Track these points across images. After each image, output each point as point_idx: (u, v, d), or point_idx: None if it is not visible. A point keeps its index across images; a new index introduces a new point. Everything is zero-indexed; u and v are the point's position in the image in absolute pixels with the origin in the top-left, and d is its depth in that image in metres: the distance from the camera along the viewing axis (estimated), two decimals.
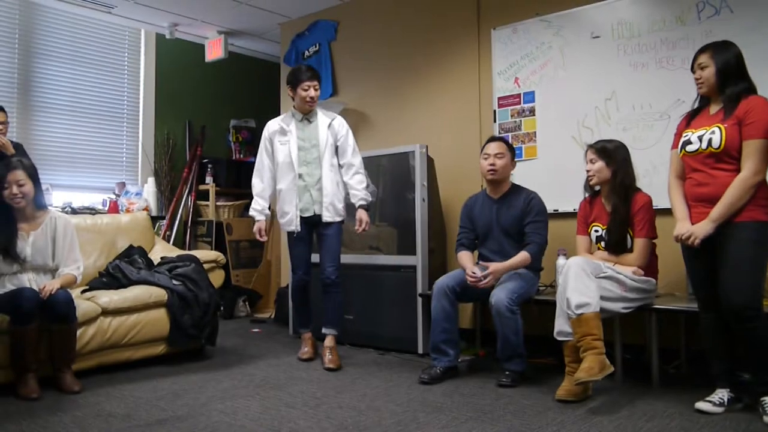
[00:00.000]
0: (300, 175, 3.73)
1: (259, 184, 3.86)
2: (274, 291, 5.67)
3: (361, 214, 3.74)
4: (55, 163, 5.49)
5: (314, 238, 3.87)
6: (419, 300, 3.95)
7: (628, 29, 3.80)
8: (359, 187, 3.76)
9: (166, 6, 5.44)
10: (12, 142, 4.57)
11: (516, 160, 3.68)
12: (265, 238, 3.88)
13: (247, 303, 5.79)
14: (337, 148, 3.81)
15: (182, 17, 5.71)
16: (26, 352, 3.02)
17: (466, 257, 3.54)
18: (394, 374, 3.48)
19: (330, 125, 3.80)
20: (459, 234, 3.66)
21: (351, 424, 2.57)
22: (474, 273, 3.29)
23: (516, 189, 3.55)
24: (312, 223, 3.79)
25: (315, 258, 3.91)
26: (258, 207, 3.85)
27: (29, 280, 3.23)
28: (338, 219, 3.78)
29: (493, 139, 3.64)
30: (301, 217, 3.75)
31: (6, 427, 2.56)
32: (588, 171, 3.23)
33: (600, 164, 3.18)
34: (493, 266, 3.31)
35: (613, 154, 3.17)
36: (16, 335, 3.01)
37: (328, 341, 3.75)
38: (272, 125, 3.86)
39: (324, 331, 3.80)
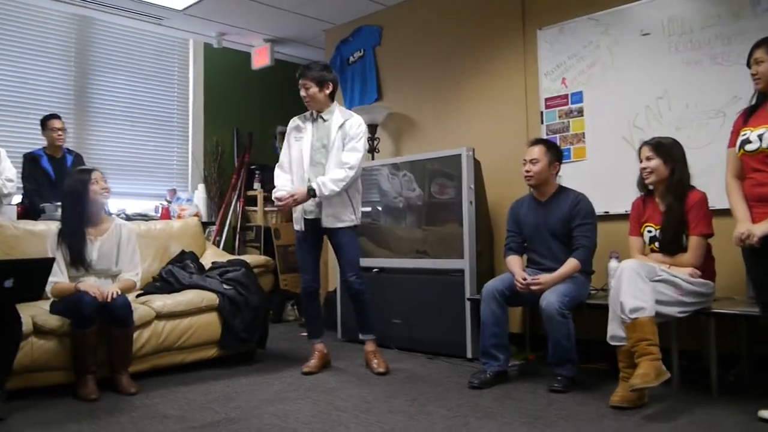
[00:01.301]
0: (309, 178, 3.57)
1: (281, 175, 3.70)
2: (321, 295, 5.69)
3: (300, 191, 3.48)
4: (109, 171, 5.55)
5: (324, 244, 3.80)
6: (467, 304, 3.92)
7: (679, 25, 3.70)
8: (328, 178, 3.47)
9: (213, 16, 5.55)
10: (71, 151, 4.80)
11: (563, 161, 3.61)
12: (281, 204, 3.55)
13: (295, 307, 5.85)
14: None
15: (229, 27, 5.82)
16: (86, 354, 3.12)
17: (514, 261, 3.50)
18: (443, 379, 3.46)
19: (342, 125, 3.60)
20: (507, 238, 3.63)
21: (402, 429, 2.57)
22: (525, 279, 3.26)
23: (563, 191, 3.49)
24: (318, 228, 3.63)
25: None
26: (281, 184, 3.65)
27: (94, 284, 3.31)
28: (343, 224, 3.58)
29: (531, 142, 3.57)
30: (306, 219, 3.64)
31: (67, 426, 2.64)
32: (644, 169, 3.13)
33: (657, 161, 3.08)
34: (543, 278, 3.26)
35: (669, 151, 3.08)
36: (77, 338, 3.11)
37: (370, 346, 3.71)
38: (292, 122, 3.77)
39: (362, 337, 3.76)
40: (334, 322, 4.84)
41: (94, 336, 3.15)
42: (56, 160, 4.66)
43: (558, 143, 3.92)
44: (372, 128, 5.13)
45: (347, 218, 3.60)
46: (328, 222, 3.58)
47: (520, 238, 3.58)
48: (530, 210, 3.54)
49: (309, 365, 3.63)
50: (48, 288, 3.13)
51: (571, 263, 3.29)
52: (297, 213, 3.67)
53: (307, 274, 3.72)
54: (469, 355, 3.90)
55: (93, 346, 3.15)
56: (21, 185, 4.60)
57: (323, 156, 3.60)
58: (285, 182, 3.67)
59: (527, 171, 3.45)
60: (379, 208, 4.62)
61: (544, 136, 4.19)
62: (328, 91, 3.62)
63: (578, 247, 3.32)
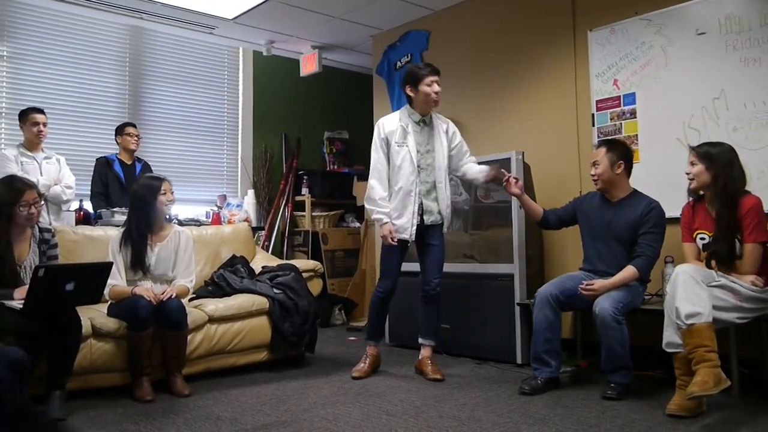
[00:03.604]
0: (417, 181, 3.56)
1: (378, 187, 3.58)
2: (369, 299, 5.71)
3: (485, 168, 3.68)
4: None
5: (413, 248, 3.77)
6: (517, 309, 3.88)
7: (737, 23, 3.59)
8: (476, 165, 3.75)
9: (263, 24, 5.65)
10: (140, 159, 5.02)
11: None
12: (395, 242, 3.56)
13: (342, 311, 5.88)
14: (450, 155, 3.70)
15: (278, 34, 5.91)
16: (141, 356, 3.21)
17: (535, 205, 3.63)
18: (494, 384, 3.43)
19: (447, 131, 3.70)
20: (554, 209, 3.65)
21: None
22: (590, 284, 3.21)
23: (636, 195, 3.37)
24: (422, 233, 3.65)
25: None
26: (384, 210, 3.56)
27: (149, 288, 3.40)
28: (445, 225, 3.71)
29: (597, 145, 3.51)
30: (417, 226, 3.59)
31: (125, 427, 2.71)
32: (687, 174, 3.06)
33: (699, 167, 2.99)
34: (598, 284, 3.18)
35: (715, 158, 2.96)
36: (133, 341, 3.20)
37: (427, 352, 3.69)
38: (389, 124, 3.62)
39: (422, 341, 3.74)
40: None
41: (149, 339, 3.23)
42: (127, 167, 4.86)
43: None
44: None
45: (450, 221, 3.75)
46: (444, 225, 3.69)
47: (566, 215, 3.60)
48: (598, 207, 3.45)
49: (359, 370, 3.64)
50: (106, 290, 3.23)
51: (629, 271, 3.19)
52: (404, 220, 3.56)
53: (391, 279, 3.71)
54: (519, 360, 3.86)
55: (148, 349, 3.23)
56: (81, 191, 4.78)
57: (429, 161, 3.63)
58: (387, 207, 3.57)
59: (591, 174, 3.41)
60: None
61: (596, 139, 4.12)
62: None
63: (640, 255, 3.22)
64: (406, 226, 3.57)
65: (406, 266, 4.59)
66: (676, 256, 3.29)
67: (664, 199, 3.35)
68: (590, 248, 3.47)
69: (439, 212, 3.64)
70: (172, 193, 3.59)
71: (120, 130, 4.90)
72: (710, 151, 3.01)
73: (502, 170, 3.61)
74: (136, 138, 4.89)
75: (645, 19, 3.98)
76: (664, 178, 3.76)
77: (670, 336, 2.81)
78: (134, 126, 4.96)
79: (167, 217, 3.69)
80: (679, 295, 2.75)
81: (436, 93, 3.58)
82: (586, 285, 3.20)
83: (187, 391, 3.25)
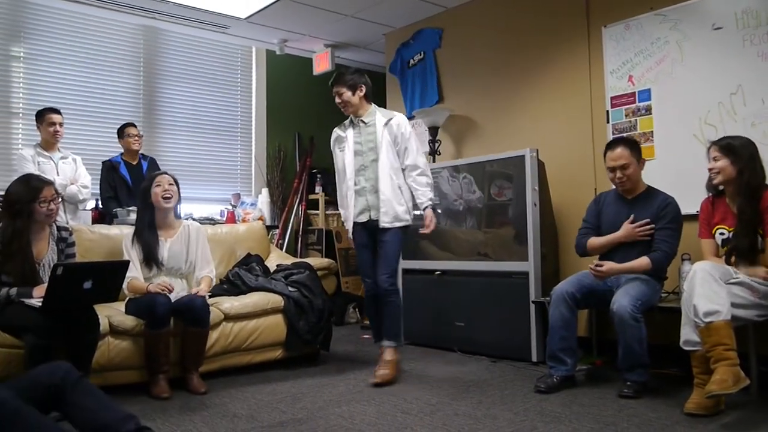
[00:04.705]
0: (357, 181, 3.60)
1: (338, 191, 3.78)
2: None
3: (429, 213, 3.54)
4: (176, 176, 5.82)
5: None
6: (532, 307, 3.87)
7: (754, 18, 3.55)
8: (424, 189, 3.57)
9: (276, 23, 5.66)
10: (146, 156, 5.03)
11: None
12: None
13: (357, 309, 5.89)
14: (398, 149, 3.60)
15: (291, 33, 5.92)
16: (158, 354, 3.23)
17: (596, 239, 3.44)
18: (508, 382, 3.42)
19: (387, 124, 3.59)
20: (581, 229, 3.54)
21: None
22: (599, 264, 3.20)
23: (651, 191, 3.35)
24: (371, 229, 3.61)
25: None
26: (343, 212, 3.76)
27: (162, 282, 3.42)
28: (397, 224, 3.55)
29: (612, 145, 3.41)
30: (358, 223, 3.62)
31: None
32: (711, 169, 3.01)
33: (724, 162, 2.95)
34: (608, 265, 3.19)
35: (738, 152, 2.93)
36: (150, 339, 3.22)
37: (387, 354, 3.53)
38: (333, 133, 3.78)
39: (382, 343, 3.60)
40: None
41: (166, 337, 3.26)
42: (133, 167, 4.87)
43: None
44: (433, 130, 5.13)
45: (404, 217, 3.58)
46: (386, 222, 3.53)
47: (594, 233, 3.48)
48: (614, 206, 3.43)
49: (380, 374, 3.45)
50: (125, 283, 3.27)
51: (642, 260, 3.18)
52: (348, 220, 3.68)
53: (368, 277, 3.67)
54: (534, 358, 3.84)
55: (165, 347, 3.26)
56: (96, 191, 4.82)
57: (371, 158, 3.58)
58: (346, 213, 3.71)
59: (620, 179, 3.32)
60: (439, 211, 4.60)
61: (610, 136, 4.10)
62: (361, 94, 3.61)
63: (656, 250, 3.20)
64: (348, 224, 3.69)
65: (414, 263, 4.65)
66: (692, 254, 3.26)
67: (681, 196, 3.32)
68: None
69: (390, 208, 3.52)
70: (171, 185, 3.55)
71: (120, 132, 4.90)
72: (732, 144, 2.97)
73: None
74: (137, 138, 4.87)
75: (660, 14, 3.95)
76: (681, 175, 3.74)
77: (687, 334, 2.79)
78: (134, 126, 4.94)
79: (176, 213, 3.69)
80: (697, 293, 2.73)
81: (339, 103, 3.63)
82: (596, 265, 3.20)
83: (204, 388, 3.27)
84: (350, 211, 3.65)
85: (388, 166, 3.55)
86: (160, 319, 3.20)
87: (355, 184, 3.62)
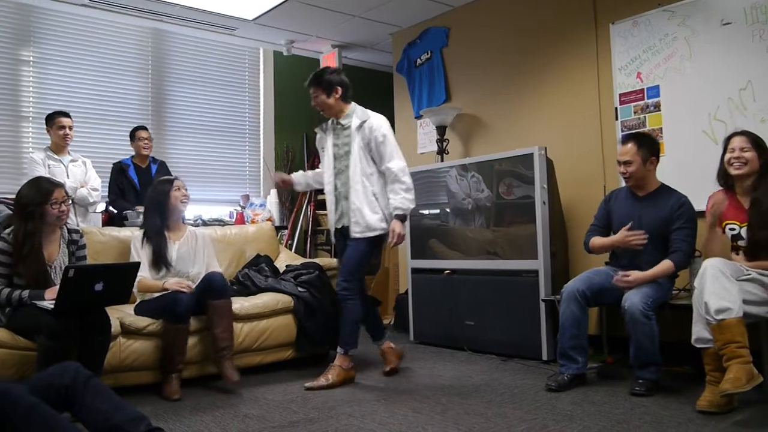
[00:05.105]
0: (336, 185, 3.52)
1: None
2: (392, 297, 5.73)
3: (394, 225, 3.36)
4: (186, 178, 5.80)
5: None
6: (542, 305, 3.86)
7: (763, 13, 3.53)
8: (395, 196, 3.38)
9: (283, 24, 5.67)
10: (156, 160, 5.06)
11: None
12: (277, 179, 3.94)
13: None
14: (372, 154, 3.44)
15: (298, 34, 5.94)
16: (175, 351, 3.24)
17: (599, 237, 3.43)
18: (519, 381, 3.41)
19: (360, 127, 3.43)
20: (590, 227, 3.52)
21: (479, 431, 2.55)
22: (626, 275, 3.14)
23: (665, 189, 3.32)
24: (347, 236, 3.49)
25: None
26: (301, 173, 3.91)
27: (179, 280, 3.46)
28: (369, 234, 3.40)
29: (625, 139, 3.42)
30: (337, 229, 3.55)
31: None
32: (738, 158, 2.95)
33: (752, 154, 2.92)
34: (634, 275, 3.12)
35: (763, 145, 2.94)
36: (169, 333, 3.24)
37: (337, 359, 3.44)
38: (317, 132, 3.70)
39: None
40: (406, 324, 4.85)
41: (185, 333, 3.28)
42: (142, 170, 4.91)
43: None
44: (441, 130, 5.13)
45: (376, 226, 3.42)
46: (356, 232, 3.41)
47: (604, 231, 3.47)
48: (626, 203, 3.40)
49: (389, 363, 3.57)
50: (135, 284, 3.28)
51: (665, 264, 3.14)
52: (330, 225, 3.64)
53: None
54: (544, 357, 3.83)
55: (183, 344, 3.27)
56: (105, 193, 4.86)
57: (346, 162, 3.47)
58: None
59: (623, 173, 3.32)
60: (448, 210, 4.60)
61: (619, 133, 4.09)
62: (338, 95, 3.46)
63: (676, 250, 3.16)
64: (331, 229, 3.65)
65: (423, 263, 4.65)
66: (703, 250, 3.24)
67: (690, 192, 3.31)
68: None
69: (361, 217, 3.39)
70: (186, 189, 3.69)
71: (132, 135, 4.95)
72: (758, 137, 2.98)
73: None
74: (146, 141, 4.90)
75: (668, 10, 3.93)
76: (690, 171, 3.72)
77: (699, 331, 2.77)
78: (145, 129, 4.98)
79: (182, 216, 3.76)
80: (708, 290, 2.71)
81: (314, 106, 3.54)
82: (622, 276, 3.14)
83: (237, 377, 3.27)
84: (330, 216, 3.61)
85: (359, 172, 3.41)
86: (182, 313, 3.23)
87: (335, 188, 3.53)
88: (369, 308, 3.73)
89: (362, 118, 3.47)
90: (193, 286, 3.42)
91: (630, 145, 3.30)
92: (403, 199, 3.38)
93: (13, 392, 1.87)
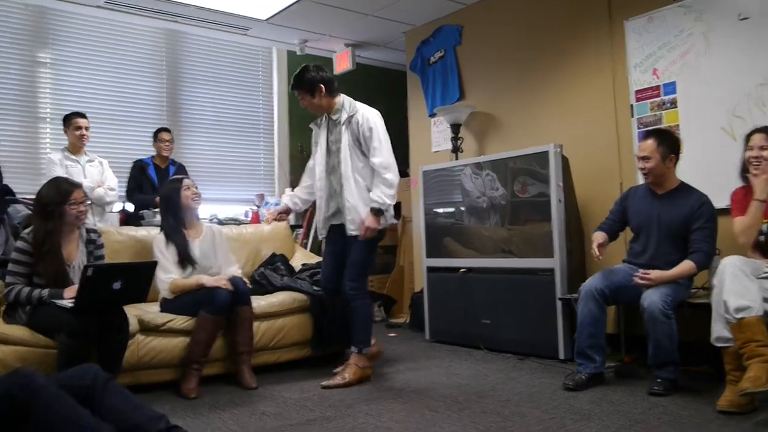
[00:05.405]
0: (331, 181, 3.49)
1: (303, 179, 3.77)
2: (407, 296, 5.73)
3: (366, 217, 3.32)
4: (201, 178, 5.87)
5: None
6: (558, 304, 3.84)
7: None
8: (375, 189, 3.33)
9: (296, 24, 5.68)
10: (175, 162, 5.12)
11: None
12: (268, 220, 3.87)
13: (382, 308, 5.89)
14: (363, 148, 3.40)
15: (311, 33, 5.95)
16: (203, 342, 3.28)
17: (599, 234, 3.44)
18: (536, 379, 3.40)
19: (349, 122, 3.40)
20: (604, 220, 3.53)
21: (497, 430, 2.54)
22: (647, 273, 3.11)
23: (685, 188, 3.27)
24: (343, 233, 3.44)
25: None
26: (287, 194, 3.92)
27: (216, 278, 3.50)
28: (354, 231, 3.37)
29: (646, 135, 3.37)
30: (335, 225, 3.50)
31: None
32: (755, 158, 2.92)
33: None
34: (655, 274, 3.07)
35: None
36: (205, 324, 3.29)
37: (352, 358, 3.45)
38: (312, 128, 3.66)
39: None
40: (421, 322, 4.85)
41: (221, 325, 3.35)
42: (161, 170, 4.98)
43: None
44: (455, 128, 5.12)
45: (354, 218, 3.38)
46: (351, 230, 3.37)
47: (617, 225, 3.47)
48: (644, 201, 3.36)
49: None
50: (166, 285, 3.40)
51: (687, 265, 3.10)
52: (319, 221, 3.59)
53: (326, 282, 3.65)
54: (561, 356, 3.82)
55: (212, 336, 3.32)
56: (122, 193, 4.91)
57: (338, 158, 3.43)
58: (291, 193, 3.84)
59: (641, 168, 3.28)
60: (462, 209, 4.59)
61: (635, 130, 4.06)
62: (323, 93, 3.41)
63: (697, 251, 3.12)
64: (319, 225, 3.61)
65: (438, 261, 4.64)
66: (723, 249, 3.21)
67: (708, 189, 3.27)
68: (636, 243, 3.40)
69: (356, 215, 3.35)
70: (196, 188, 3.73)
71: (155, 136, 5.03)
72: None
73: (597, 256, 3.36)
74: (168, 143, 4.98)
75: (684, 5, 3.90)
76: (708, 168, 3.69)
77: (719, 330, 2.75)
78: (168, 131, 5.05)
79: (196, 214, 3.78)
80: (727, 288, 2.69)
81: (305, 107, 3.53)
82: (642, 274, 3.11)
83: (255, 383, 3.32)
84: (319, 214, 3.57)
85: (350, 167, 3.38)
86: (223, 305, 3.30)
87: (330, 184, 3.48)
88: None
89: (350, 112, 3.43)
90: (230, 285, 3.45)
91: (650, 141, 3.26)
92: (381, 193, 3.32)
93: (38, 380, 1.94)
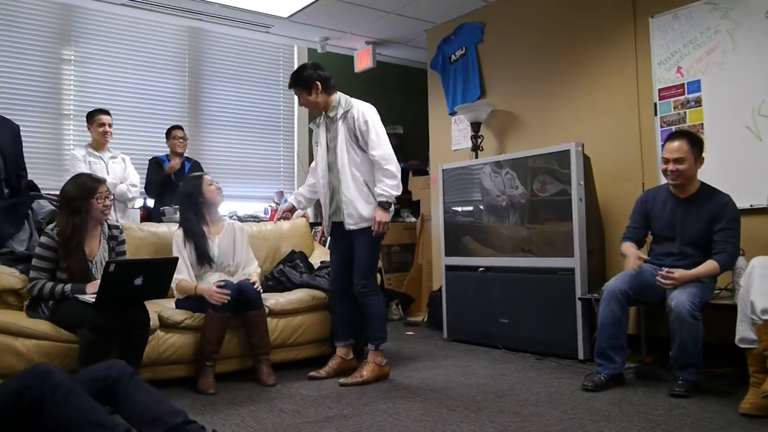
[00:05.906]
0: (330, 179, 3.48)
1: (307, 178, 3.84)
2: (425, 294, 5.72)
3: (376, 212, 3.33)
4: (220, 175, 5.90)
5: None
6: (578, 304, 3.81)
7: None
8: (379, 184, 3.34)
9: (318, 22, 5.69)
10: (190, 159, 5.14)
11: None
12: (272, 218, 3.89)
13: (399, 306, 5.89)
14: (361, 142, 3.40)
15: (332, 31, 5.95)
16: (213, 337, 3.30)
17: (628, 246, 3.32)
18: (555, 380, 3.38)
19: (345, 117, 3.42)
20: (627, 228, 3.44)
21: (515, 430, 2.53)
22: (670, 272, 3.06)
23: (707, 190, 3.21)
24: (343, 230, 3.45)
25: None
26: (294, 193, 3.93)
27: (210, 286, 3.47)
28: (363, 225, 3.37)
29: (673, 136, 3.28)
30: (336, 222, 3.50)
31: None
32: None
33: None
34: (679, 273, 3.03)
35: None
36: (212, 322, 3.31)
37: (369, 356, 3.46)
38: (312, 128, 3.68)
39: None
40: (439, 321, 4.83)
41: (226, 322, 3.34)
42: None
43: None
44: (475, 126, 5.10)
45: (371, 217, 3.38)
46: (350, 224, 3.39)
47: (642, 232, 3.40)
48: (666, 206, 3.30)
49: (318, 371, 3.49)
50: (174, 284, 3.38)
51: (710, 264, 3.05)
52: (324, 220, 3.61)
53: (335, 278, 3.63)
54: (580, 356, 3.78)
55: (221, 332, 3.33)
56: (143, 187, 4.98)
57: (335, 157, 3.44)
58: (297, 191, 3.88)
59: (673, 171, 3.18)
60: (482, 207, 4.57)
61: (659, 129, 4.01)
62: (319, 90, 3.43)
63: (721, 251, 3.07)
64: (324, 224, 3.62)
65: (457, 260, 4.63)
66: (747, 249, 3.16)
67: (733, 189, 3.23)
68: (657, 244, 3.36)
69: (354, 209, 3.37)
70: (216, 183, 3.75)
71: (167, 134, 5.05)
72: None
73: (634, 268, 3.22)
74: (181, 140, 5.01)
75: (710, 2, 3.84)
76: (733, 168, 3.63)
77: (743, 331, 2.70)
78: (180, 128, 5.08)
79: (218, 210, 3.81)
80: (755, 289, 2.64)
81: (302, 105, 3.60)
82: (666, 273, 3.06)
83: (273, 381, 3.34)
84: (324, 210, 3.58)
85: (348, 162, 3.39)
86: (226, 305, 3.30)
87: (330, 182, 3.49)
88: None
89: (346, 108, 3.46)
90: (233, 280, 3.46)
91: (680, 142, 3.18)
92: (386, 186, 3.34)
93: (56, 374, 1.99)
